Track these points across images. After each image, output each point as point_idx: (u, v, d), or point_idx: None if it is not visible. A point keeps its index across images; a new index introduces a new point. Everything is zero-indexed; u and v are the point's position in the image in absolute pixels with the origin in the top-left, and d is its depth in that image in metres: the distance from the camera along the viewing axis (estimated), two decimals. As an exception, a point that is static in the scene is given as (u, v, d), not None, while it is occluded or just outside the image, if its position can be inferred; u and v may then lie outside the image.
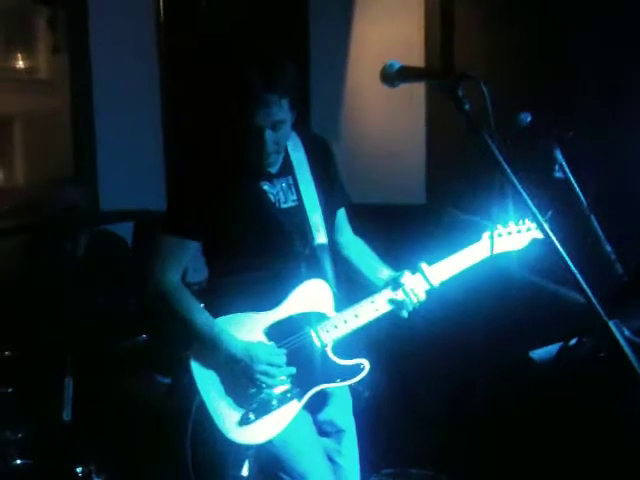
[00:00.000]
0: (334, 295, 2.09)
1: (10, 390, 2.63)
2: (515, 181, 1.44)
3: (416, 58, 3.62)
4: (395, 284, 2.06)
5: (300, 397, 2.00)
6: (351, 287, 2.21)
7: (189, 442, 2.10)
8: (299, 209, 2.09)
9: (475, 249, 2.13)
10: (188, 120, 4.07)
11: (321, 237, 2.10)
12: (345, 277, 2.22)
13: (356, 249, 2.26)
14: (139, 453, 2.70)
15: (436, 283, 2.06)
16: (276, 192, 2.07)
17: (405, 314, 2.05)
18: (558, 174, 2.24)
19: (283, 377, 1.98)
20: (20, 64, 4.13)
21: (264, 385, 1.95)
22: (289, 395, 1.99)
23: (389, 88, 1.67)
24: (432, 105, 3.71)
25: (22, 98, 4.05)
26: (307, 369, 2.01)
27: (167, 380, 2.71)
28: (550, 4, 3.35)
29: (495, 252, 2.13)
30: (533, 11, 3.41)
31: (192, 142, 3.73)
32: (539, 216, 1.42)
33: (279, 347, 2.00)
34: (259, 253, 2.02)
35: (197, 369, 2.00)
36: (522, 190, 1.42)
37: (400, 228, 3.72)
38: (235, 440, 1.96)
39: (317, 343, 2.02)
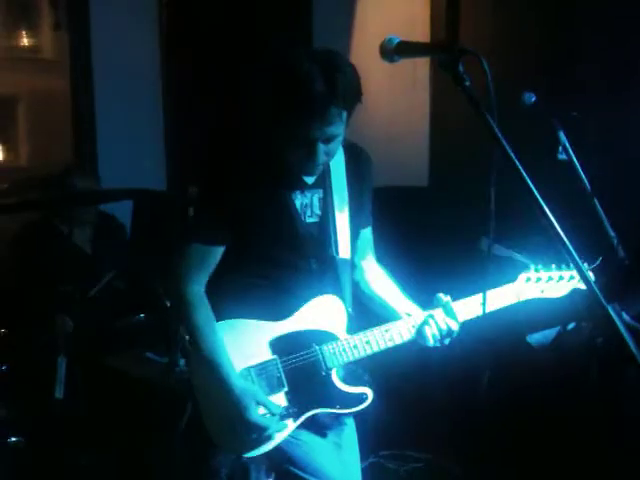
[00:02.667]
0: (348, 315, 1.98)
1: (4, 368, 2.63)
2: (522, 171, 1.37)
3: (421, 39, 3.57)
4: (424, 314, 1.93)
5: (296, 417, 1.91)
6: (366, 309, 2.09)
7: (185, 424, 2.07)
8: (322, 225, 1.97)
9: (508, 291, 1.93)
10: (190, 100, 4.04)
11: (344, 252, 1.98)
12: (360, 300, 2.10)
13: (378, 276, 2.12)
14: (135, 432, 2.70)
15: (460, 321, 1.91)
16: (305, 204, 1.95)
17: (431, 343, 1.90)
18: (561, 156, 2.20)
19: (273, 431, 1.87)
20: (24, 42, 4.11)
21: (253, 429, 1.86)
22: (285, 413, 1.90)
23: (389, 64, 1.64)
24: (436, 87, 3.66)
25: (26, 77, 4.03)
26: (308, 389, 1.91)
27: (164, 360, 2.70)
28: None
29: (529, 297, 1.92)
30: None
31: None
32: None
33: (283, 362, 1.91)
34: (272, 262, 1.93)
35: (196, 380, 1.93)
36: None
37: (403, 211, 3.69)
38: (227, 451, 1.94)
39: (322, 365, 1.91)
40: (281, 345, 1.91)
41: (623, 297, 1.59)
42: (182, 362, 2.62)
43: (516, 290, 1.93)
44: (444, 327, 1.90)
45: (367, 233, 2.10)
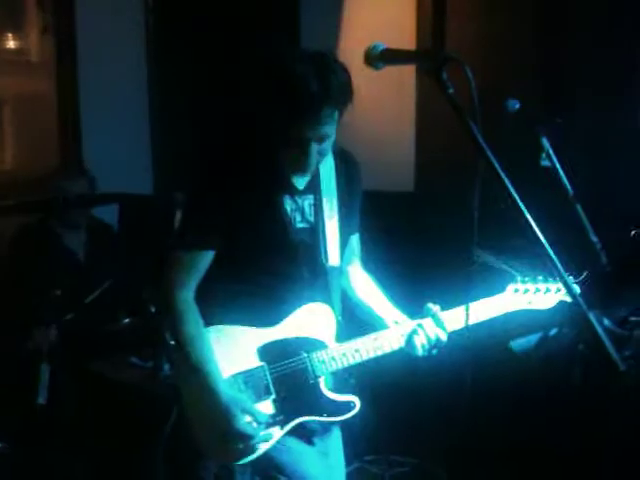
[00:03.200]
0: (337, 323, 1.97)
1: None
2: (505, 180, 1.39)
3: (407, 43, 3.59)
4: (413, 324, 1.93)
5: (283, 425, 1.89)
6: (355, 316, 2.08)
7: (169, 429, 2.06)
8: (313, 231, 1.95)
9: (497, 302, 1.94)
10: (176, 103, 4.03)
11: (334, 260, 1.96)
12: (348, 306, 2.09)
13: (364, 283, 2.12)
14: (119, 438, 2.69)
15: (448, 331, 1.92)
16: (295, 209, 1.93)
17: (419, 352, 1.92)
18: (545, 162, 2.22)
19: (259, 440, 1.85)
20: (10, 44, 4.08)
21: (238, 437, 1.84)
22: (271, 421, 1.88)
23: (374, 70, 1.65)
24: (422, 92, 3.68)
25: (12, 80, 4.01)
26: (295, 397, 1.89)
27: (149, 364, 2.69)
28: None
29: (517, 308, 1.93)
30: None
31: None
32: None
33: (271, 369, 1.89)
34: (262, 269, 1.91)
35: (183, 387, 1.90)
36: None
37: (388, 216, 3.70)
38: (214, 459, 1.91)
39: (310, 373, 1.90)
40: (269, 352, 1.90)
41: (605, 303, 1.61)
42: (167, 367, 2.61)
43: (505, 301, 1.95)
44: (433, 337, 1.90)
45: (355, 239, 2.10)
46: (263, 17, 3.95)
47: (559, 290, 1.91)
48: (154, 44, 4.07)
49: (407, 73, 3.62)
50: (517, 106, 2.20)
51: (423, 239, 3.62)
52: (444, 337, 1.91)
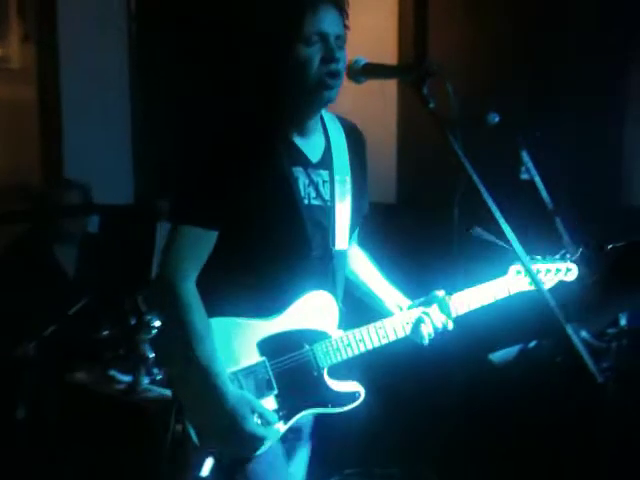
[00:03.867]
0: (340, 311, 1.90)
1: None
2: (484, 192, 1.40)
3: (389, 51, 3.60)
4: (419, 311, 1.90)
5: (287, 419, 1.82)
6: (359, 302, 2.03)
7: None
8: (328, 210, 1.85)
9: (500, 284, 1.93)
10: (158, 111, 4.02)
11: (342, 244, 1.87)
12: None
13: (364, 263, 2.06)
14: (98, 451, 2.66)
15: (454, 316, 1.89)
16: (308, 184, 1.81)
17: (426, 342, 1.88)
18: (524, 175, 2.24)
19: (268, 441, 1.76)
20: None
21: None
22: (276, 418, 1.80)
23: (356, 84, 1.67)
24: (404, 102, 3.70)
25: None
26: (299, 390, 1.82)
27: (128, 378, 2.66)
28: (529, 10, 3.36)
29: (519, 290, 1.92)
30: (509, 6, 3.42)
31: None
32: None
33: (272, 364, 1.81)
34: (270, 251, 1.78)
35: (183, 387, 1.77)
36: (492, 204, 1.38)
37: (370, 227, 3.70)
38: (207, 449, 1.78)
39: (314, 365, 1.84)
40: (270, 346, 1.81)
41: (583, 315, 1.62)
42: (146, 380, 2.59)
43: (507, 283, 1.94)
44: (440, 325, 1.88)
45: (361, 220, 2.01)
46: (246, 27, 3.94)
47: (559, 270, 1.92)
48: (136, 52, 4.06)
49: (389, 84, 3.63)
50: (497, 119, 2.22)
51: (405, 250, 3.63)
52: (450, 325, 1.88)
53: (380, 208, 4.08)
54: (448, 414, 1.71)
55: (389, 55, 3.60)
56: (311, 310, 1.86)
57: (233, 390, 1.74)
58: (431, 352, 1.93)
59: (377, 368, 1.94)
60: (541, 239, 2.13)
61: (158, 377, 2.64)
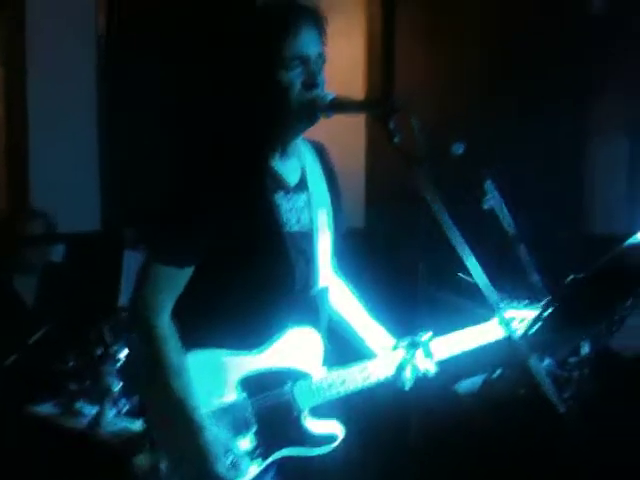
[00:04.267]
0: (324, 349, 1.86)
1: None
2: (450, 229, 1.42)
3: (358, 79, 3.66)
4: (402, 354, 1.85)
5: (263, 459, 1.78)
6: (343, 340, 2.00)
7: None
8: (310, 235, 1.81)
9: (483, 330, 1.90)
10: (126, 138, 4.00)
11: (325, 278, 1.83)
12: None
13: (346, 298, 2.02)
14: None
15: (436, 360, 1.86)
16: (289, 209, 1.78)
17: (408, 386, 1.85)
18: (488, 204, 2.28)
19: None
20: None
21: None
22: (251, 456, 1.76)
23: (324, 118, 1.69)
24: (372, 129, 3.75)
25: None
26: (277, 430, 1.78)
27: (93, 410, 2.62)
28: (494, 37, 3.44)
29: (499, 337, 1.84)
30: (474, 38, 3.51)
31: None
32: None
33: (252, 402, 1.77)
34: (253, 280, 1.73)
35: (157, 422, 1.72)
36: (459, 244, 1.40)
37: (338, 251, 3.71)
38: None
39: (294, 405, 1.80)
40: (252, 383, 1.77)
41: (544, 344, 1.65)
42: (111, 414, 2.55)
43: (491, 329, 1.90)
44: (423, 370, 1.85)
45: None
46: (214, 52, 3.96)
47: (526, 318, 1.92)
48: (105, 79, 4.05)
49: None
50: (461, 150, 2.26)
51: (373, 274, 3.65)
52: (433, 369, 1.85)
53: (348, 232, 4.12)
54: (410, 448, 1.71)
55: (357, 85, 3.66)
56: (295, 348, 1.82)
57: (209, 427, 1.69)
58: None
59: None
60: (505, 267, 2.17)
61: (125, 409, 2.61)
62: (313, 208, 1.82)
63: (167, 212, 1.74)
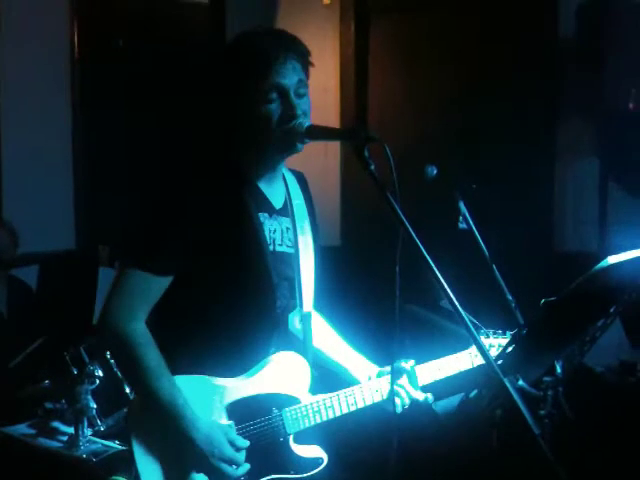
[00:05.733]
0: (312, 375, 1.86)
1: None
2: (424, 252, 1.45)
3: (332, 105, 3.72)
4: (387, 381, 1.85)
5: None
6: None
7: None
8: (292, 258, 1.82)
9: (464, 357, 1.92)
10: (102, 158, 4.00)
11: (308, 303, 1.85)
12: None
13: (326, 333, 2.01)
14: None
15: (420, 385, 1.88)
16: (273, 230, 1.78)
17: (398, 410, 1.85)
18: (462, 225, 2.32)
19: (236, 476, 1.73)
20: None
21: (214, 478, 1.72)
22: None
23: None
24: (347, 151, 3.80)
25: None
26: (262, 456, 1.78)
27: (71, 430, 2.60)
28: (466, 61, 3.51)
29: (480, 363, 1.89)
30: (448, 62, 3.58)
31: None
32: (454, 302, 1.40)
33: (239, 429, 1.76)
34: (231, 301, 1.72)
35: (138, 439, 1.71)
36: (433, 266, 1.42)
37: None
38: None
39: (281, 431, 1.80)
40: (239, 410, 1.77)
41: (519, 364, 1.69)
42: (88, 432, 2.53)
43: (470, 356, 1.93)
44: (409, 399, 1.87)
45: None
46: (193, 80, 3.98)
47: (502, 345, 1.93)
48: (79, 95, 4.04)
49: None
50: (435, 172, 2.30)
51: (349, 291, 3.69)
52: (421, 397, 1.87)
53: (325, 250, 4.15)
54: (389, 465, 1.74)
55: (331, 109, 3.71)
56: (282, 373, 1.82)
57: (203, 417, 1.70)
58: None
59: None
60: (478, 288, 2.22)
61: (102, 429, 2.59)
62: (297, 232, 1.83)
63: (145, 219, 1.73)
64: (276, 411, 1.80)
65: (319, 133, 1.71)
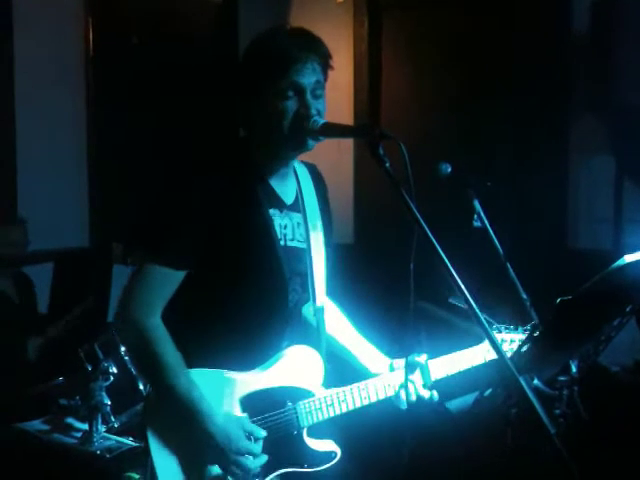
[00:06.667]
0: (325, 369, 1.87)
1: None
2: (439, 251, 1.44)
3: (345, 102, 3.72)
4: (401, 375, 1.87)
5: (263, 478, 1.79)
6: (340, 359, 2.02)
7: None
8: (304, 253, 1.84)
9: (476, 352, 1.92)
10: (117, 156, 4.01)
11: (321, 297, 1.86)
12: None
13: (341, 323, 2.03)
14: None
15: (432, 379, 1.88)
16: (284, 225, 1.80)
17: (405, 405, 1.86)
18: (476, 223, 2.31)
19: (254, 468, 1.74)
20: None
21: (232, 473, 1.72)
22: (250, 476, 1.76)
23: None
24: (360, 147, 3.80)
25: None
26: (276, 449, 1.79)
27: (84, 426, 2.61)
28: (478, 56, 3.49)
29: (490, 358, 1.88)
30: (458, 61, 3.56)
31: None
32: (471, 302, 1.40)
33: (253, 422, 1.77)
34: (247, 295, 1.75)
35: (154, 434, 1.72)
36: (448, 263, 1.42)
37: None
38: None
39: (295, 424, 1.81)
40: (253, 403, 1.79)
41: (534, 363, 1.68)
42: (102, 429, 2.55)
43: (483, 351, 1.92)
44: (422, 394, 1.87)
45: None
46: (206, 74, 4.00)
47: (514, 341, 1.92)
48: (95, 97, 4.05)
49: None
50: (449, 169, 2.29)
51: (363, 290, 3.68)
52: (427, 394, 1.87)
53: (338, 248, 4.15)
54: (404, 465, 1.73)
55: (344, 106, 3.71)
56: (296, 367, 1.83)
57: (219, 411, 1.72)
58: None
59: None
60: (493, 285, 2.20)
61: (115, 425, 2.60)
62: (308, 227, 1.85)
63: (161, 216, 1.76)
64: (290, 404, 1.81)
65: (333, 130, 1.71)
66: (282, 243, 1.79)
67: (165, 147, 3.93)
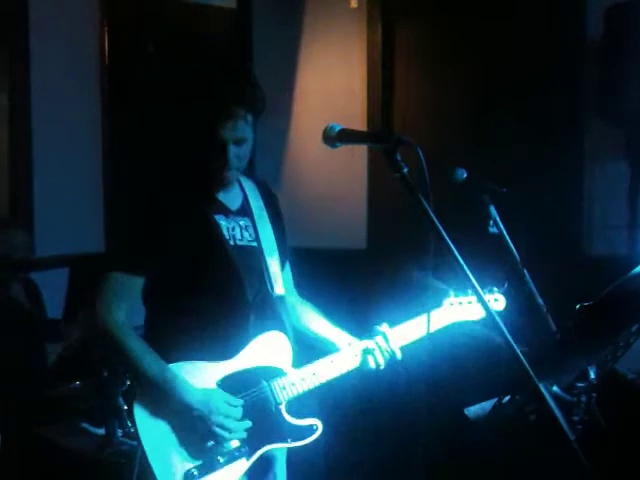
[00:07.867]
0: (293, 349, 2.01)
1: None
2: (455, 251, 1.46)
3: (358, 108, 3.72)
4: (365, 343, 2.02)
5: (249, 456, 1.91)
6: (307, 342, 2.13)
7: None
8: (256, 251, 2.01)
9: (436, 315, 2.10)
10: (131, 161, 4.04)
11: (279, 287, 2.02)
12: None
13: (312, 317, 2.16)
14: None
15: (395, 349, 2.02)
16: (232, 227, 1.98)
17: (373, 369, 2.01)
18: (492, 229, 2.31)
19: (239, 431, 1.88)
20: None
21: (219, 439, 1.85)
22: (237, 453, 1.89)
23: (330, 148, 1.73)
24: (373, 154, 3.80)
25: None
26: (259, 426, 1.91)
27: (100, 431, 2.62)
28: (493, 60, 3.49)
29: (453, 321, 2.11)
30: (474, 63, 3.56)
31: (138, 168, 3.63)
32: (478, 289, 1.46)
33: None
34: (205, 294, 1.91)
35: (141, 417, 1.86)
36: (462, 261, 1.45)
37: (341, 271, 3.75)
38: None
39: (272, 400, 1.94)
40: (229, 384, 1.91)
41: (552, 369, 1.67)
42: (119, 433, 2.56)
43: (441, 314, 2.10)
44: (387, 354, 2.01)
45: (288, 268, 2.17)
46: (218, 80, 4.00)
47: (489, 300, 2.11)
48: (110, 103, 4.08)
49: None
50: (465, 175, 2.30)
51: (374, 295, 3.67)
52: (399, 353, 2.01)
53: (351, 253, 4.17)
54: (421, 470, 1.74)
55: (357, 111, 3.73)
56: (265, 349, 1.97)
57: (195, 387, 1.86)
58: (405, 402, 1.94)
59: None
60: (510, 290, 2.20)
61: (132, 429, 2.61)
62: (257, 228, 2.03)
63: (123, 231, 2.01)
64: (264, 382, 1.94)
65: (350, 137, 1.71)
66: (232, 243, 1.96)
67: (181, 153, 3.94)
